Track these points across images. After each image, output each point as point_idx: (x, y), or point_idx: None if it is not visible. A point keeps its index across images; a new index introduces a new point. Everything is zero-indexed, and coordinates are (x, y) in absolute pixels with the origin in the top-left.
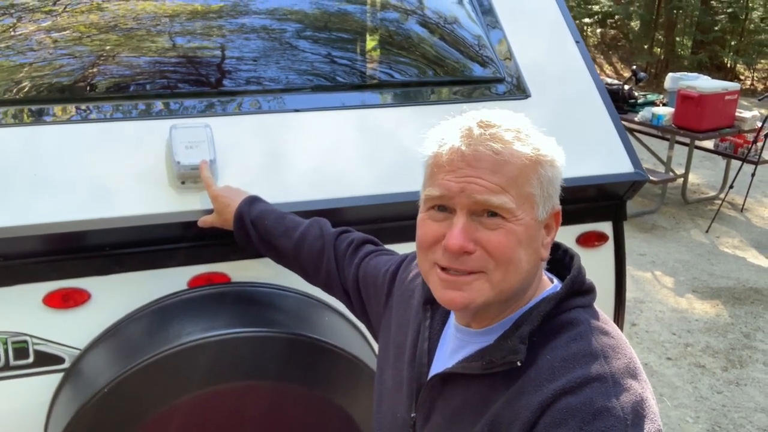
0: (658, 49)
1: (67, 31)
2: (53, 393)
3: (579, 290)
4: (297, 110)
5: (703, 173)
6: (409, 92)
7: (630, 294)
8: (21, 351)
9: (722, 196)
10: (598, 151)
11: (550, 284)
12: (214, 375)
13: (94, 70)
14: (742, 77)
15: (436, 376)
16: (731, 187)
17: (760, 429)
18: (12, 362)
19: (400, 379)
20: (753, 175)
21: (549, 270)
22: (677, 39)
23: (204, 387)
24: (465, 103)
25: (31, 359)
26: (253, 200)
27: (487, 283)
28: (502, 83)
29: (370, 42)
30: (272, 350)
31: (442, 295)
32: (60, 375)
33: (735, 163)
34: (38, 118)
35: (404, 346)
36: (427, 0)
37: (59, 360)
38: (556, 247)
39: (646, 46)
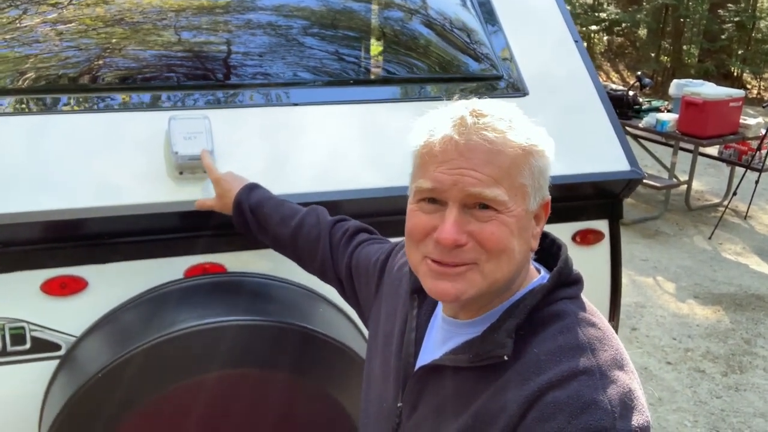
0: (665, 57)
1: (73, 24)
2: (49, 379)
3: (566, 281)
4: (296, 104)
5: (706, 180)
6: (405, 88)
7: (631, 298)
8: (18, 337)
9: (726, 203)
10: (594, 149)
11: (537, 275)
12: (207, 362)
13: (96, 62)
14: (748, 86)
15: (422, 367)
16: (735, 194)
17: None
18: (9, 348)
19: (388, 369)
20: (757, 182)
21: (536, 260)
22: (684, 47)
23: (197, 374)
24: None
25: (28, 345)
26: (252, 187)
27: (479, 274)
28: (500, 80)
29: (370, 39)
30: (264, 338)
31: (433, 286)
32: (56, 362)
33: (739, 170)
34: (41, 108)
35: (392, 335)
36: None
37: (56, 347)
38: (544, 237)
39: (653, 54)
